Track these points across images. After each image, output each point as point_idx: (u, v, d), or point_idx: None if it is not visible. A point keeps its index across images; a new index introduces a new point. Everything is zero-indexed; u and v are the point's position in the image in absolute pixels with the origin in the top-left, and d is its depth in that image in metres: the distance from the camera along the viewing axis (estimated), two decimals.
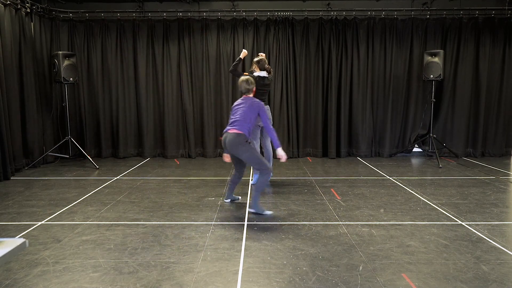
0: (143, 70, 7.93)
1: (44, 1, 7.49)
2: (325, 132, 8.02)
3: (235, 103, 4.60)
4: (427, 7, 7.83)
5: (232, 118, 4.45)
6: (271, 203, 4.81)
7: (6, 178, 6.05)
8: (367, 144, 8.04)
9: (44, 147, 7.32)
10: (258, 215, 4.35)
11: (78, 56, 7.71)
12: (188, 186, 5.72)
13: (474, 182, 5.84)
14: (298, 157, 8.02)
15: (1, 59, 6.09)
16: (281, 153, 4.38)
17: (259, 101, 4.52)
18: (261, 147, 5.87)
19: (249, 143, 4.34)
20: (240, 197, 5.01)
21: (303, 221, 4.16)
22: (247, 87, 4.54)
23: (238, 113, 4.43)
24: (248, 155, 4.31)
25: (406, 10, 7.85)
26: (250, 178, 6.03)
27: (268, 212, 4.39)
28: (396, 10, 7.81)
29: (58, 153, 7.45)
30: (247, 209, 4.56)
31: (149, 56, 7.92)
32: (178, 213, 4.45)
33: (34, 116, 6.90)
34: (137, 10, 7.88)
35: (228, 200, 4.91)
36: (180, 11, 7.80)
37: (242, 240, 3.67)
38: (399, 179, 6.07)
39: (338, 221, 4.16)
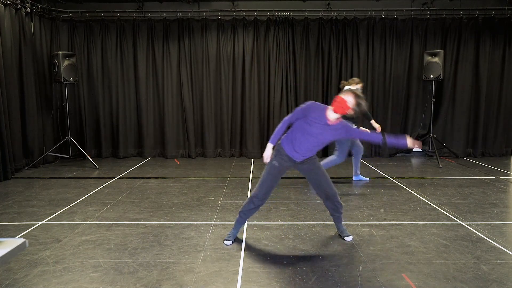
0: (143, 70, 7.93)
1: (44, 1, 7.49)
2: None
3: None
4: (427, 7, 7.83)
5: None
6: (271, 203, 4.81)
7: (6, 178, 6.05)
8: (367, 144, 8.01)
9: (44, 147, 7.32)
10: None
11: (78, 56, 7.71)
12: (188, 186, 5.72)
13: (474, 182, 5.84)
14: None
15: (1, 59, 6.09)
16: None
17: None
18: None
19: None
20: (368, 179, 5.92)
21: (303, 221, 4.16)
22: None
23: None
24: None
25: (406, 10, 7.84)
26: None
27: (228, 242, 3.58)
28: (396, 10, 7.81)
29: (58, 153, 7.45)
30: None
31: (149, 56, 7.92)
32: (178, 213, 4.45)
33: (34, 116, 6.90)
34: (137, 10, 7.88)
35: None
36: (180, 11, 7.80)
37: (242, 240, 3.67)
38: (399, 179, 6.07)
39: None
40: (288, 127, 3.42)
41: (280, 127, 3.36)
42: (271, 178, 3.42)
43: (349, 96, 3.20)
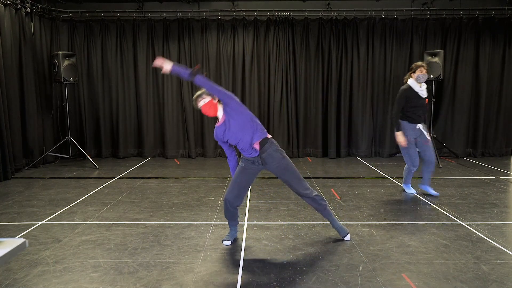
0: (143, 70, 7.93)
1: (44, 1, 7.49)
2: (325, 132, 8.02)
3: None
4: (427, 7, 7.83)
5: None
6: (271, 203, 4.81)
7: (6, 178, 6.05)
8: (367, 144, 8.03)
9: (44, 147, 7.32)
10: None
11: (78, 56, 7.71)
12: (188, 186, 5.72)
13: (474, 182, 5.84)
14: (298, 157, 8.02)
15: (1, 59, 6.09)
16: None
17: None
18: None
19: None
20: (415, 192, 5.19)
21: (303, 221, 4.16)
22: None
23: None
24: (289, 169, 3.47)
25: (406, 10, 7.84)
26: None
27: (227, 243, 3.60)
28: (396, 10, 7.81)
29: (58, 153, 7.45)
30: (247, 209, 4.56)
31: (149, 56, 7.92)
32: (178, 213, 4.45)
33: (34, 116, 6.90)
34: (137, 10, 7.88)
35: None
36: (180, 11, 7.80)
37: (242, 240, 3.67)
38: (399, 179, 6.06)
39: (338, 221, 4.15)
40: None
41: (229, 162, 3.57)
42: (241, 178, 3.45)
43: (200, 102, 3.31)
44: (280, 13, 7.78)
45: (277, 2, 7.97)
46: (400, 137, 4.89)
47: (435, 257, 3.27)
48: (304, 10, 7.85)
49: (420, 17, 7.85)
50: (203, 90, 3.33)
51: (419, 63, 4.86)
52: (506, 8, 7.69)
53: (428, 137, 4.91)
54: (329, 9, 7.88)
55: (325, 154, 8.07)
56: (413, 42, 7.88)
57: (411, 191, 5.23)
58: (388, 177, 6.19)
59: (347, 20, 7.80)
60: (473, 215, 4.32)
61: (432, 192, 5.11)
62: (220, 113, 3.35)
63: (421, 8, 7.88)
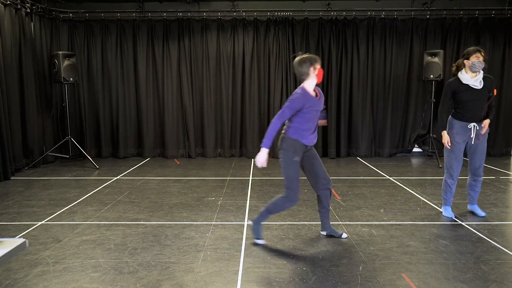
0: (143, 70, 7.93)
1: (44, 1, 7.49)
2: (325, 132, 8.02)
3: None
4: (427, 7, 7.84)
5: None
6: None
7: (6, 178, 6.05)
8: (367, 144, 8.03)
9: (44, 147, 7.32)
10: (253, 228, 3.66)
11: (78, 56, 7.71)
12: (188, 186, 5.72)
13: None
14: None
15: (1, 59, 6.09)
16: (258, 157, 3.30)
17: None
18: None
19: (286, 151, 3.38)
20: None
21: (303, 221, 4.16)
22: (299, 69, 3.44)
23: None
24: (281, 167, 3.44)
25: (406, 10, 7.85)
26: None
27: (260, 241, 3.60)
28: (396, 10, 7.81)
29: (58, 153, 7.45)
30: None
31: (149, 56, 7.92)
32: (178, 213, 4.45)
33: (34, 116, 6.90)
34: (137, 10, 7.88)
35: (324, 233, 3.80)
36: (180, 11, 7.80)
37: (242, 240, 3.67)
38: (399, 179, 6.07)
39: (338, 221, 4.16)
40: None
41: (273, 130, 3.27)
42: (298, 172, 3.42)
43: (319, 64, 3.47)
44: (280, 13, 7.78)
45: (277, 2, 7.97)
46: (444, 137, 4.15)
47: (435, 257, 3.27)
48: (304, 10, 7.85)
49: (420, 17, 7.85)
50: (301, 58, 3.46)
51: (473, 48, 3.93)
52: (506, 8, 7.69)
53: (478, 137, 4.06)
54: (329, 9, 7.89)
55: (325, 154, 8.07)
56: (413, 42, 7.88)
57: (449, 214, 4.28)
58: (388, 177, 6.19)
59: (347, 20, 7.80)
60: (473, 215, 4.32)
61: (480, 212, 4.30)
62: (313, 85, 3.52)
63: (421, 8, 7.88)
